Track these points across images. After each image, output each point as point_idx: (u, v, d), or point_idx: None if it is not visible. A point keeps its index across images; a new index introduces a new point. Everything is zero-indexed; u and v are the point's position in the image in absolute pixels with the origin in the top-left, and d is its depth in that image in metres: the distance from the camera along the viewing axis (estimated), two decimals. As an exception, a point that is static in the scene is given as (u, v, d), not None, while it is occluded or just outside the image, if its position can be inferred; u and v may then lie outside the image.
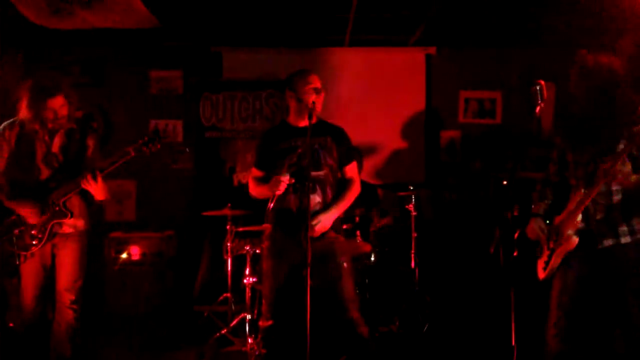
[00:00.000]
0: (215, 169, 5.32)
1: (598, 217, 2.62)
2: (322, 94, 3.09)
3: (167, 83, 5.49)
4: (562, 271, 2.73)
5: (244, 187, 5.18)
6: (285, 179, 2.93)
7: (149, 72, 5.51)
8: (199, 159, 5.38)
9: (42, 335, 3.19)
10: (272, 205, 2.96)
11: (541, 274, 2.78)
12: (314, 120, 2.92)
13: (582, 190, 2.61)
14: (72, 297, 3.16)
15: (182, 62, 5.52)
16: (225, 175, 5.32)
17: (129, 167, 5.26)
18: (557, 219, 2.74)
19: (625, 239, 2.61)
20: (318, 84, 3.07)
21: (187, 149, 5.39)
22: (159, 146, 3.13)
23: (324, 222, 3.00)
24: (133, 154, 3.08)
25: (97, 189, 3.07)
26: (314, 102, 2.96)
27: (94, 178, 3.02)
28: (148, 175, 5.48)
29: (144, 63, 5.51)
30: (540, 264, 2.81)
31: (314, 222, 2.94)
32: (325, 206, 3.05)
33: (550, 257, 2.70)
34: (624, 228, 2.61)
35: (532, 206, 2.95)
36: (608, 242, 2.63)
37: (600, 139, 2.63)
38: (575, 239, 2.61)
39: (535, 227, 2.83)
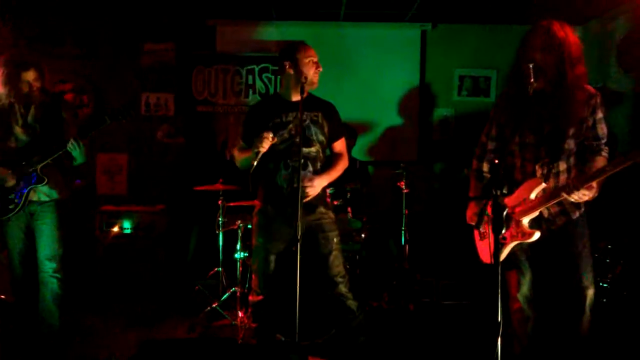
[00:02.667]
0: (207, 143, 5.29)
1: None
2: (320, 69, 3.03)
3: (160, 56, 5.42)
4: (516, 257, 2.77)
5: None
6: (269, 136, 2.86)
7: (142, 45, 5.44)
8: (190, 133, 5.34)
9: (33, 308, 3.27)
10: (255, 164, 2.84)
11: (488, 259, 2.76)
12: (305, 95, 2.88)
13: (544, 182, 2.60)
14: (54, 266, 3.27)
15: (175, 35, 5.45)
16: (217, 150, 5.29)
17: (120, 141, 5.35)
18: (509, 203, 2.68)
19: (575, 214, 2.67)
20: (316, 57, 3.03)
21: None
22: (134, 115, 3.31)
23: (316, 184, 2.96)
24: (109, 121, 3.20)
25: (81, 152, 3.19)
26: (306, 77, 2.93)
27: (77, 142, 3.15)
28: (139, 150, 5.46)
29: (136, 36, 5.43)
30: (485, 248, 2.81)
31: (307, 184, 2.91)
32: None
33: (502, 244, 2.67)
34: (571, 204, 2.63)
35: (470, 188, 2.94)
36: (561, 221, 2.68)
37: (552, 119, 2.61)
38: (538, 234, 2.60)
39: (478, 212, 2.75)
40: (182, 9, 5.22)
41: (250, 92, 5.23)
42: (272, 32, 5.38)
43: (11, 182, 3.18)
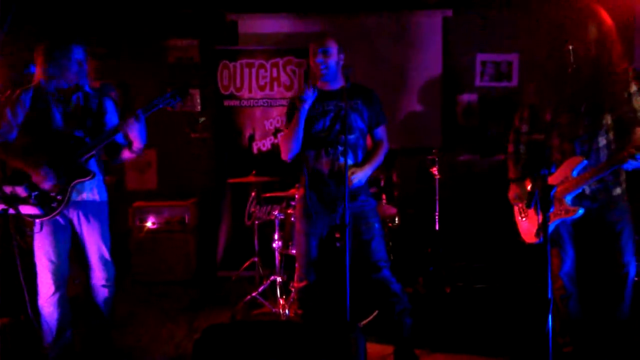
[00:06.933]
0: (234, 137, 5.34)
1: None
2: (332, 56, 3.07)
3: (184, 52, 5.50)
4: (560, 235, 2.85)
5: (263, 155, 5.24)
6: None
7: (166, 42, 5.51)
8: (217, 127, 5.39)
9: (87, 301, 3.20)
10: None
11: (530, 238, 2.88)
12: (346, 83, 2.94)
13: (585, 160, 2.70)
14: (106, 275, 3.11)
15: (198, 30, 5.51)
16: (244, 143, 5.34)
17: (149, 136, 5.40)
18: (551, 182, 2.73)
19: (616, 191, 2.76)
20: (329, 46, 3.06)
21: (204, 118, 5.49)
22: (186, 97, 3.09)
23: (360, 176, 3.02)
24: (161, 105, 2.99)
25: (139, 133, 2.98)
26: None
27: (138, 118, 2.90)
28: (168, 144, 5.54)
29: (160, 32, 5.50)
30: (527, 228, 2.91)
31: (351, 176, 2.97)
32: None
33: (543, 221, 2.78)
34: (611, 178, 2.73)
35: (510, 170, 3.04)
36: (603, 197, 2.75)
37: (588, 97, 2.72)
38: (582, 210, 2.70)
39: (520, 193, 2.94)
40: (203, 4, 5.29)
41: (276, 85, 5.27)
42: (294, 25, 5.44)
43: (51, 177, 2.87)
